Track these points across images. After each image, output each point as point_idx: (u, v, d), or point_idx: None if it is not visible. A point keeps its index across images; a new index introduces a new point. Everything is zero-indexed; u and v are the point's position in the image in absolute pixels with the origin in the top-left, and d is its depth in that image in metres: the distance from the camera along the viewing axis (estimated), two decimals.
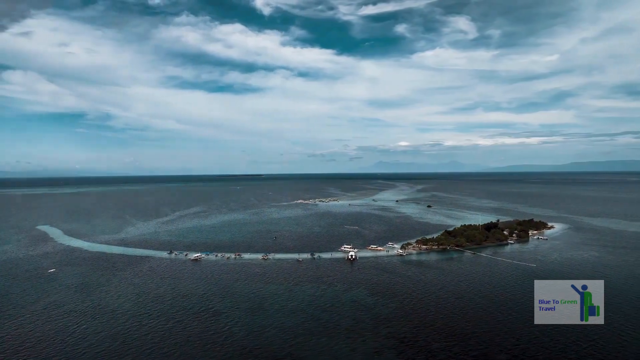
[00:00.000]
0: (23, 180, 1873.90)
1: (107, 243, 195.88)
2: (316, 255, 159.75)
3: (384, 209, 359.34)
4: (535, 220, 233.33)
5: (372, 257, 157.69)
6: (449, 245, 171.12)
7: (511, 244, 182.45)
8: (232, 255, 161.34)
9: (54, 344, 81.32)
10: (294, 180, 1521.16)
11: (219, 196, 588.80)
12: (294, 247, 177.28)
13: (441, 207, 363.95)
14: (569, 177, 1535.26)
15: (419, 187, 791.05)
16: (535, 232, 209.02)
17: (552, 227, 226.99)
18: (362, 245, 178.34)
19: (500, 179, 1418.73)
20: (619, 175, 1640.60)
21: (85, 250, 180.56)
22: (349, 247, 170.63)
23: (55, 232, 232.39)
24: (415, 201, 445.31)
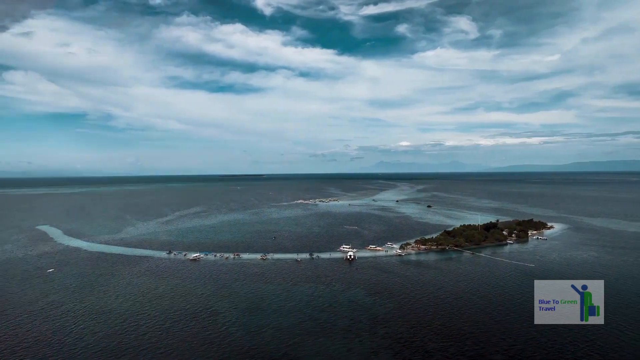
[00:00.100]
0: (24, 180, 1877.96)
1: (107, 243, 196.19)
2: (315, 255, 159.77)
3: (383, 209, 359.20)
4: (534, 220, 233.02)
5: (371, 257, 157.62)
6: (448, 246, 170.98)
7: (510, 244, 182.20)
8: (231, 255, 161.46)
9: (52, 344, 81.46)
10: (294, 180, 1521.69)
11: (220, 196, 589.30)
12: (293, 247, 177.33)
13: (441, 207, 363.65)
14: (570, 177, 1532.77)
15: (420, 187, 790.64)
16: (534, 232, 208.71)
17: (551, 227, 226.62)
18: (361, 245, 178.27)
19: (501, 179, 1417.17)
20: (620, 175, 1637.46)
21: (85, 250, 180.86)
22: (348, 247, 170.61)
23: (55, 232, 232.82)
24: (416, 201, 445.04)
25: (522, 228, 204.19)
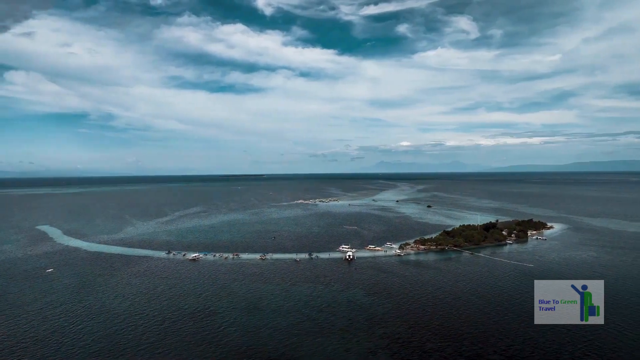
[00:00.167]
0: (25, 180, 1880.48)
1: (106, 243, 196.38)
2: (314, 255, 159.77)
3: (383, 209, 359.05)
4: (534, 220, 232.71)
5: (370, 257, 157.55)
6: (447, 246, 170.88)
7: (510, 244, 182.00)
8: (230, 255, 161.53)
9: (50, 344, 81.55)
10: (295, 180, 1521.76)
11: (220, 196, 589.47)
12: (292, 247, 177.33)
13: (441, 207, 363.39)
14: (570, 177, 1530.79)
15: (420, 187, 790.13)
16: (534, 232, 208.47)
17: (551, 227, 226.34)
18: (361, 245, 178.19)
19: (501, 179, 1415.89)
20: (621, 175, 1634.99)
21: (84, 250, 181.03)
22: (347, 247, 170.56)
23: (54, 232, 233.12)
24: (416, 201, 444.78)
25: (522, 228, 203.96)
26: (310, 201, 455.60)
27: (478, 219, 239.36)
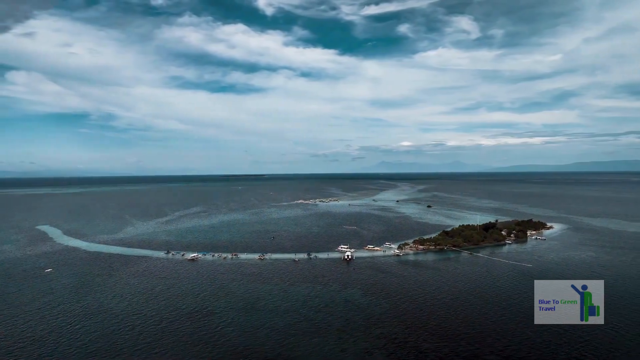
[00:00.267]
0: (26, 180, 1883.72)
1: (106, 243, 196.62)
2: (313, 255, 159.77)
3: (383, 209, 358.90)
4: (534, 220, 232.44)
5: (368, 257, 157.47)
6: (446, 246, 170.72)
7: (509, 244, 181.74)
8: (229, 255, 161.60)
9: (47, 344, 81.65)
10: (296, 180, 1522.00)
11: (220, 196, 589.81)
12: (291, 247, 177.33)
13: (441, 207, 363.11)
14: (571, 177, 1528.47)
15: (421, 187, 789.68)
16: (533, 232, 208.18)
17: (551, 227, 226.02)
18: (360, 245, 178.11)
19: (502, 179, 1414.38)
20: (623, 175, 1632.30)
21: (84, 250, 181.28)
22: (346, 247, 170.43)
23: (54, 232, 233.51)
24: (416, 201, 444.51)
25: (521, 228, 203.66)
26: (311, 201, 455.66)
27: (477, 219, 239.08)
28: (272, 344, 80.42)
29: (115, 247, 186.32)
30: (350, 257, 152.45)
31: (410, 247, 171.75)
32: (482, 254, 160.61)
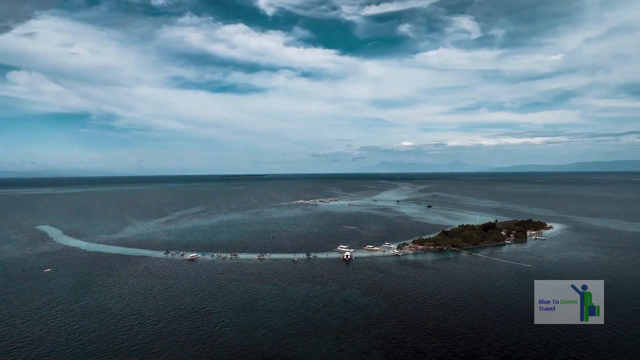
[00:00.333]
0: (27, 180, 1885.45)
1: (105, 243, 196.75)
2: (312, 255, 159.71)
3: (383, 209, 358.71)
4: (533, 220, 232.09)
5: (367, 257, 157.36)
6: (445, 246, 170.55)
7: (508, 244, 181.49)
8: (228, 255, 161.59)
9: (45, 344, 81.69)
10: (296, 180, 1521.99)
11: (220, 196, 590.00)
12: (290, 247, 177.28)
13: (441, 207, 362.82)
14: (572, 177, 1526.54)
15: (421, 187, 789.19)
16: (533, 232, 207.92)
17: (550, 227, 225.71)
18: (359, 245, 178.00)
19: (503, 179, 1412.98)
20: (624, 175, 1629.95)
21: (83, 250, 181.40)
22: (345, 247, 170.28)
23: (54, 232, 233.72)
24: (416, 201, 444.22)
25: (521, 228, 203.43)
26: (311, 201, 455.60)
27: (477, 219, 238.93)
28: (270, 344, 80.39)
29: (114, 247, 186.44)
30: (349, 257, 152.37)
31: (410, 247, 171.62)
32: (482, 254, 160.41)
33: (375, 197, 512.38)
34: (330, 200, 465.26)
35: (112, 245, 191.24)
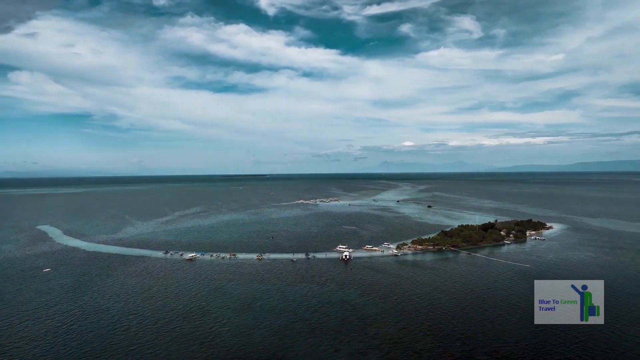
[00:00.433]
0: (28, 180, 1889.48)
1: (105, 243, 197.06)
2: (311, 255, 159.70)
3: (383, 209, 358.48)
4: (533, 220, 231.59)
5: (366, 257, 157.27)
6: (444, 246, 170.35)
7: (508, 244, 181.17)
8: (227, 255, 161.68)
9: (42, 344, 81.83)
10: (297, 180, 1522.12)
11: (221, 196, 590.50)
12: (289, 247, 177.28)
13: (441, 208, 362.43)
14: (574, 177, 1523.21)
15: (422, 187, 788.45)
16: (532, 232, 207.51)
17: (550, 227, 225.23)
18: (358, 245, 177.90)
19: (504, 179, 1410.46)
20: (625, 175, 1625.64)
21: (83, 250, 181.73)
22: (344, 247, 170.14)
23: (54, 232, 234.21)
24: (416, 201, 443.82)
25: (520, 228, 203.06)
26: (311, 201, 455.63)
27: (477, 219, 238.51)
28: (267, 344, 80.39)
29: (114, 247, 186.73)
30: (348, 257, 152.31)
31: (409, 247, 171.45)
32: (481, 254, 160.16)
33: (375, 197, 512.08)
34: (331, 200, 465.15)
35: (111, 245, 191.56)
